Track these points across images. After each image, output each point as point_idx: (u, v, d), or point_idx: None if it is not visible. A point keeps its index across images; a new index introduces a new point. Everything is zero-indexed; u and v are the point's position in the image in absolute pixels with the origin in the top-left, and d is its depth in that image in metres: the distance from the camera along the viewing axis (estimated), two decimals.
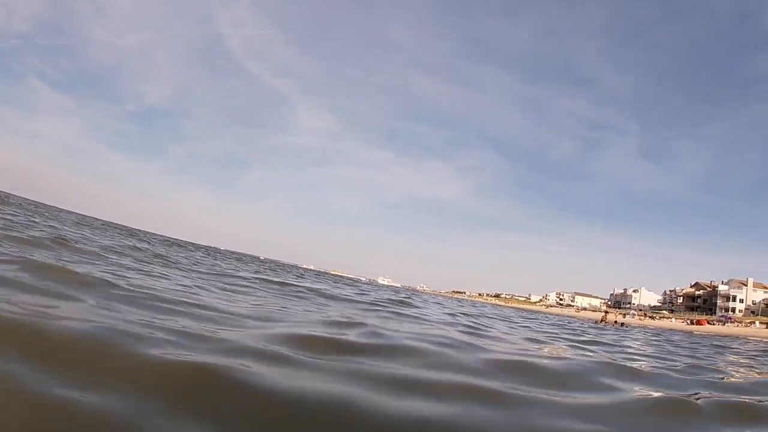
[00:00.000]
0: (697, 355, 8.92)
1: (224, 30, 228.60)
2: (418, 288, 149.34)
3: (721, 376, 5.24)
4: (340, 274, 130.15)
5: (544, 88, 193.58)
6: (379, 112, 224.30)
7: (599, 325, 25.77)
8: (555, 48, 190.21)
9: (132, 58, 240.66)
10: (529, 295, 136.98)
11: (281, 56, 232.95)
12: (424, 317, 8.58)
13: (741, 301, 77.67)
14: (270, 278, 13.24)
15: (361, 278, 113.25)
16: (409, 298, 17.09)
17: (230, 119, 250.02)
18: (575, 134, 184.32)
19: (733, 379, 5.05)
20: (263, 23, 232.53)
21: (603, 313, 52.46)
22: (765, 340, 32.88)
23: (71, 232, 14.44)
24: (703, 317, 72.70)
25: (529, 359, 4.33)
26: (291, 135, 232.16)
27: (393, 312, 8.43)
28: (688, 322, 69.81)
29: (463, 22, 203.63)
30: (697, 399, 3.17)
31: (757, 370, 6.65)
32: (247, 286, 9.03)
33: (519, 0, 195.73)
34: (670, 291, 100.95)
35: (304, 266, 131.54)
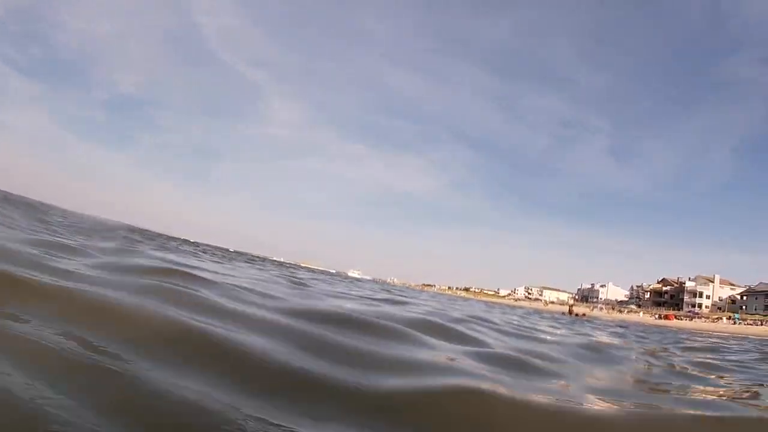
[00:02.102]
0: None
1: (198, 18, 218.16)
2: (389, 281, 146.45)
3: None
4: (310, 266, 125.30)
5: (518, 86, 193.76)
6: (353, 105, 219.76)
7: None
8: (530, 46, 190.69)
9: (104, 45, 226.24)
10: (498, 289, 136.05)
11: (256, 46, 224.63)
12: None
13: (707, 297, 77.88)
14: None
15: (331, 271, 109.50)
16: None
17: (203, 109, 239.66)
18: (547, 132, 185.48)
19: None
20: (238, 12, 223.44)
21: (569, 306, 58.06)
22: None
23: None
24: (671, 312, 72.51)
25: None
26: (264, 126, 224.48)
27: None
28: (657, 316, 69.42)
29: (439, 17, 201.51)
30: None
31: None
32: None
33: None
34: (638, 286, 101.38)
35: (274, 258, 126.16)
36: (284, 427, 1.72)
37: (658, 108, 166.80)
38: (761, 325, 57.90)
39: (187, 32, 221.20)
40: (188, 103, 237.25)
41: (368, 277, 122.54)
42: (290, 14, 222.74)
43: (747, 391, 4.26)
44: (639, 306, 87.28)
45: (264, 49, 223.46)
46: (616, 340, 9.72)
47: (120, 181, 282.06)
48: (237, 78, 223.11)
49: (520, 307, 55.37)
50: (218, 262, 14.31)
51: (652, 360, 6.25)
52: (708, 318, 67.27)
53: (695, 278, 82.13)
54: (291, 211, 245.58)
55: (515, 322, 10.66)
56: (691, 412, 2.71)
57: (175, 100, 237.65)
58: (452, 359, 3.48)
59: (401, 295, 15.24)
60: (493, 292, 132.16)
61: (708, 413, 2.76)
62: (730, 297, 75.69)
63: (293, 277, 14.51)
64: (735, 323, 60.22)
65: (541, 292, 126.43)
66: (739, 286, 76.88)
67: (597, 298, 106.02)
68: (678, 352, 8.25)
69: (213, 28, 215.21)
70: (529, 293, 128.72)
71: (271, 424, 1.71)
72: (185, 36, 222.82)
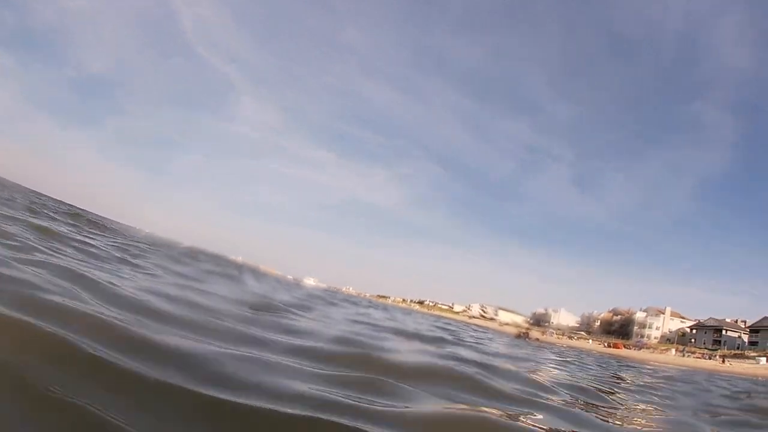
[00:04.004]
0: None
1: (177, 6, 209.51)
2: (344, 290, 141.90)
3: None
4: (268, 271, 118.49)
5: (488, 108, 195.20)
6: (325, 113, 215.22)
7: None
8: (503, 71, 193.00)
9: (79, 21, 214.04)
10: (453, 304, 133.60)
11: (232, 42, 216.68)
12: None
13: (657, 328, 77.80)
14: None
15: (288, 277, 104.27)
16: None
17: (171, 98, 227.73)
18: (513, 156, 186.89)
19: None
20: (218, 6, 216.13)
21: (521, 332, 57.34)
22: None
23: None
24: (620, 341, 72.04)
25: None
26: (232, 123, 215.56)
27: None
28: (606, 344, 68.69)
29: (417, 33, 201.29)
30: None
31: None
32: None
33: (475, 20, 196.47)
34: (588, 314, 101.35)
35: (232, 258, 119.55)
36: None
37: (621, 142, 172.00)
38: (709, 359, 57.44)
39: (165, 18, 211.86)
40: (157, 90, 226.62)
41: (324, 285, 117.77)
42: (271, 16, 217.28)
43: None
44: (589, 333, 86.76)
45: (240, 47, 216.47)
46: None
47: (76, 162, 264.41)
48: (209, 71, 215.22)
49: (481, 327, 52.72)
50: None
51: None
52: (656, 349, 66.79)
53: (647, 309, 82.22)
54: (252, 211, 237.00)
55: None
56: None
57: (144, 86, 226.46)
58: None
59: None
60: (447, 307, 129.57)
61: None
62: (680, 330, 75.83)
63: None
64: (684, 356, 59.70)
65: (497, 311, 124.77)
66: (689, 320, 77.23)
67: (549, 322, 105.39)
68: None
69: (190, 17, 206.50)
70: (484, 311, 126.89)
71: None
72: (162, 22, 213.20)
